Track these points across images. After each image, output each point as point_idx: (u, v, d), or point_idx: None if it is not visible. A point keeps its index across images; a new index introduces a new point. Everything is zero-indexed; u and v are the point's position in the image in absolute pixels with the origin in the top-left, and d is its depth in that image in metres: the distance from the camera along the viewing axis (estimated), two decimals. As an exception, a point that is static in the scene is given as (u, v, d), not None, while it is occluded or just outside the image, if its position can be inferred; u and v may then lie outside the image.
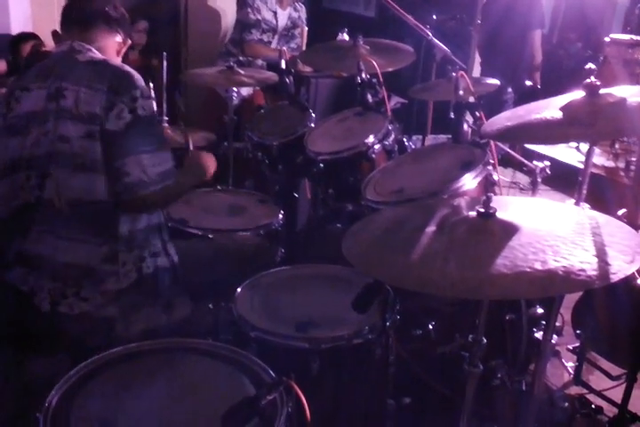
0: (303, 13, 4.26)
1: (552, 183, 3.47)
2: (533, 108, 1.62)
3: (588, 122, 1.44)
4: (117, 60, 1.81)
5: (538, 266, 1.10)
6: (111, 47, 1.79)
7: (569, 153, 3.32)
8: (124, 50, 1.84)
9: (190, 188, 1.92)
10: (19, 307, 1.67)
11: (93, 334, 1.65)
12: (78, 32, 1.74)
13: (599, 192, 2.44)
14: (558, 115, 1.52)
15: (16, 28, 3.96)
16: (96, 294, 1.65)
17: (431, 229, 1.30)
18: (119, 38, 1.80)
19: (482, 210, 1.27)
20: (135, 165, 1.60)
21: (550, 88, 4.50)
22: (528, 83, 4.52)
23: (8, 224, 1.72)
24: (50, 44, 3.85)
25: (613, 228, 1.23)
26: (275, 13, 4.09)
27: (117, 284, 1.67)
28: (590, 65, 1.62)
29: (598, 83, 1.54)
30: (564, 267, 1.09)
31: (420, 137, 3.46)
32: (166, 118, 2.82)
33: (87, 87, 1.62)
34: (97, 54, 1.71)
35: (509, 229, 1.24)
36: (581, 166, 1.76)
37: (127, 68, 1.68)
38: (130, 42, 1.86)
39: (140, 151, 1.61)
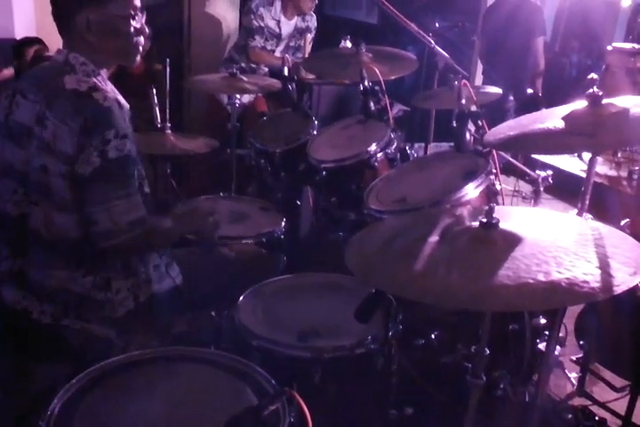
0: (313, 23, 4.25)
1: (554, 192, 3.46)
2: (536, 118, 1.63)
3: (591, 132, 1.45)
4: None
5: (541, 277, 1.10)
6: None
7: (571, 162, 3.32)
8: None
9: (175, 236, 1.81)
10: (19, 317, 1.67)
11: (93, 349, 1.64)
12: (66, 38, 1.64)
13: (602, 201, 2.44)
14: (561, 125, 1.52)
15: (20, 33, 3.98)
16: (95, 319, 1.65)
17: (434, 238, 1.30)
18: None
19: (484, 220, 1.27)
20: (104, 214, 1.54)
21: (552, 96, 4.51)
22: (529, 91, 4.52)
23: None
24: (53, 48, 3.88)
25: (616, 239, 1.23)
26: (278, 22, 4.09)
27: (113, 312, 1.66)
28: (593, 75, 1.62)
29: (601, 93, 1.54)
30: (568, 279, 1.09)
31: (423, 144, 3.46)
32: (169, 125, 2.83)
33: (63, 123, 1.53)
34: (89, 77, 1.59)
35: (512, 240, 1.24)
36: (584, 175, 1.76)
37: (109, 102, 1.54)
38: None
39: (109, 199, 1.54)
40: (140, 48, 1.69)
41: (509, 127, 1.61)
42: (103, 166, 1.52)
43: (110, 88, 1.63)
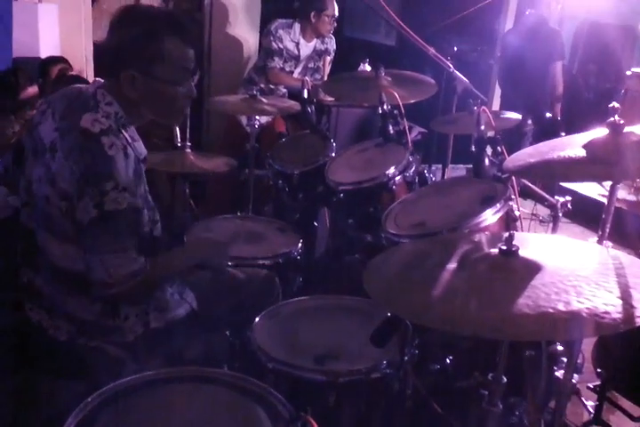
0: (332, 45, 4.29)
1: (572, 216, 3.45)
2: (555, 145, 1.63)
3: (612, 161, 1.44)
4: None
5: (561, 307, 1.09)
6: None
7: (590, 186, 3.31)
8: None
9: (179, 271, 1.77)
10: (36, 332, 1.68)
11: (108, 368, 1.64)
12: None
13: (620, 226, 2.43)
14: (581, 153, 1.52)
15: (45, 52, 4.06)
16: (108, 341, 1.65)
17: (452, 265, 1.29)
18: None
19: (504, 247, 1.26)
20: (99, 265, 1.51)
21: (570, 120, 4.51)
22: (548, 115, 4.52)
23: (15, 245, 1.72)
24: (76, 67, 3.96)
25: (637, 269, 1.22)
26: (297, 44, 4.14)
27: (122, 337, 1.65)
28: (615, 104, 1.62)
29: (622, 122, 1.54)
30: (588, 309, 1.08)
31: (440, 166, 3.47)
32: (189, 144, 2.87)
33: (67, 161, 1.50)
34: (108, 119, 1.54)
35: (532, 268, 1.23)
36: (602, 200, 1.76)
37: (114, 150, 1.49)
38: None
39: (103, 251, 1.51)
40: (186, 111, 1.66)
41: (529, 154, 1.61)
42: (98, 218, 1.48)
43: (129, 135, 1.58)
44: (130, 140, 1.58)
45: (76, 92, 1.65)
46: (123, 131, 1.57)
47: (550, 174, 1.55)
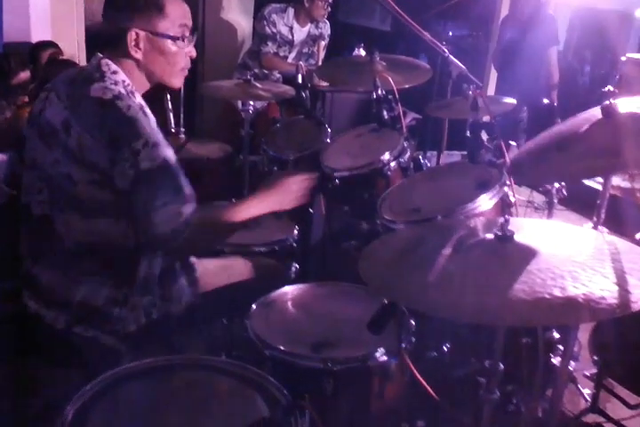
0: (326, 30, 4.27)
1: (567, 203, 3.45)
2: (554, 141, 1.60)
3: (613, 153, 1.42)
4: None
5: (557, 292, 1.09)
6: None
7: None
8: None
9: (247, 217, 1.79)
10: (33, 320, 1.68)
11: (104, 358, 1.63)
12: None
13: (615, 213, 2.42)
14: (581, 148, 1.50)
15: (36, 37, 4.02)
16: (106, 330, 1.65)
17: (448, 251, 1.29)
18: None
19: (499, 233, 1.26)
20: (152, 223, 1.52)
21: (566, 106, 4.49)
22: (545, 101, 4.51)
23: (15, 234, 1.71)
24: (68, 52, 3.92)
25: (633, 255, 1.22)
26: (291, 28, 4.12)
27: (124, 327, 1.64)
28: (609, 87, 1.61)
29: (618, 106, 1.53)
30: (584, 294, 1.08)
31: (435, 153, 3.46)
32: (183, 130, 2.85)
33: (90, 135, 1.50)
34: (117, 86, 1.55)
35: (527, 253, 1.23)
36: (597, 186, 1.75)
37: (133, 111, 1.51)
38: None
39: (157, 206, 1.51)
40: (186, 71, 1.70)
41: (529, 158, 1.58)
42: (138, 179, 1.50)
43: (138, 100, 1.58)
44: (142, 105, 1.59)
45: (76, 71, 1.67)
46: (132, 96, 1.57)
47: (556, 176, 1.53)
